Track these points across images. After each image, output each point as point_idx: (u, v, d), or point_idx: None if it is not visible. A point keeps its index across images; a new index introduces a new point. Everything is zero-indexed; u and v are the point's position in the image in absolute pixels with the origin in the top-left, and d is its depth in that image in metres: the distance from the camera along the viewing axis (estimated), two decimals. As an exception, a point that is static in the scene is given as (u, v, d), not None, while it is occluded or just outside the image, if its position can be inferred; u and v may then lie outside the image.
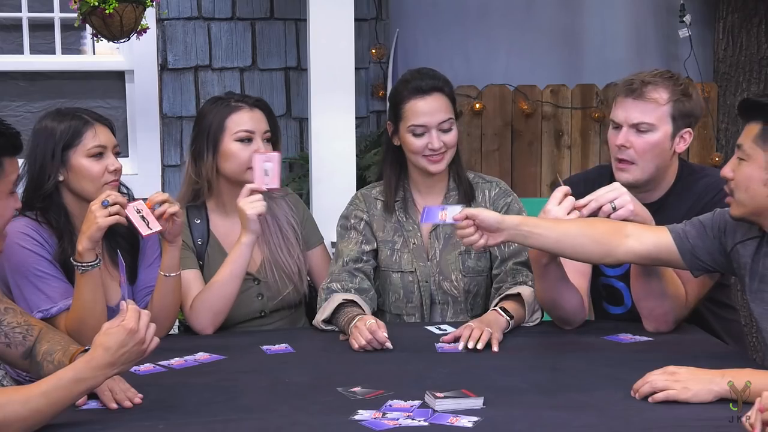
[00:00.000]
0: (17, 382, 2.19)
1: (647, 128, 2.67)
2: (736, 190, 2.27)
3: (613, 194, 2.53)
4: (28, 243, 2.54)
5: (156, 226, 2.55)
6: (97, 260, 2.50)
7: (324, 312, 2.75)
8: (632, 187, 2.74)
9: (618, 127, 2.72)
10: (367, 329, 2.55)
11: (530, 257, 2.65)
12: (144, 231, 2.55)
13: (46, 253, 2.57)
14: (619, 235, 2.43)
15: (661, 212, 2.64)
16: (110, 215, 2.47)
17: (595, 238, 2.44)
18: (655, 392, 2.08)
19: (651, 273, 2.60)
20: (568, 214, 2.51)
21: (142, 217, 2.54)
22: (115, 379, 2.11)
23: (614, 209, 2.51)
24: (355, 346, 2.56)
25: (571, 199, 2.52)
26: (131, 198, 2.67)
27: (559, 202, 2.52)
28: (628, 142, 2.68)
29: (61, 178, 2.62)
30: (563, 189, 2.55)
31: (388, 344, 2.55)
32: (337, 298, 2.76)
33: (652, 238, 2.45)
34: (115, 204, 2.48)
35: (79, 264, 2.48)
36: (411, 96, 2.87)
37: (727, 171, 2.29)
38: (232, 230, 2.88)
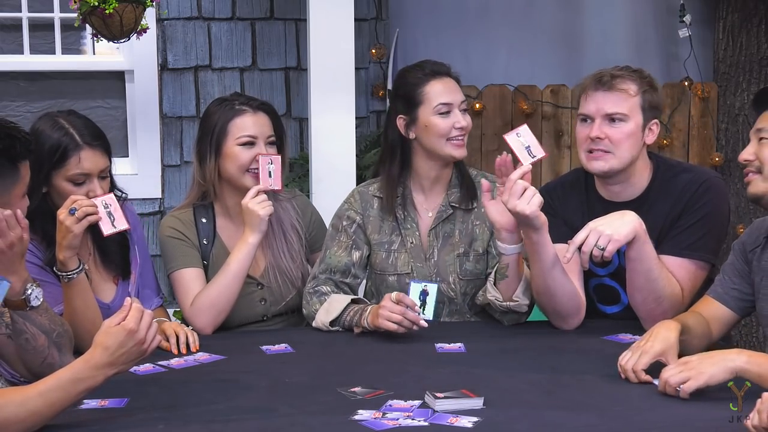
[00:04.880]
0: (11, 383, 2.18)
1: (621, 118, 2.67)
2: (764, 166, 2.36)
3: (593, 237, 2.49)
4: None
5: (121, 225, 2.51)
6: (80, 266, 2.48)
7: (330, 313, 2.74)
8: (607, 177, 2.72)
9: (588, 119, 2.71)
10: (396, 304, 2.57)
11: (523, 237, 2.60)
12: (106, 230, 2.50)
13: (36, 259, 2.54)
14: (709, 334, 2.46)
15: (643, 211, 2.62)
16: (80, 221, 2.45)
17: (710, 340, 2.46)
18: (676, 390, 2.07)
19: (647, 277, 2.59)
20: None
21: (109, 214, 2.49)
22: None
23: (602, 250, 2.48)
24: (391, 327, 2.57)
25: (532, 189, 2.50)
26: (119, 193, 2.67)
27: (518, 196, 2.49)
28: (603, 133, 2.67)
29: (44, 190, 2.60)
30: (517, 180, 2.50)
31: (422, 323, 2.59)
32: (344, 299, 2.76)
33: (717, 320, 2.47)
34: (82, 208, 2.45)
35: (64, 273, 2.46)
36: (429, 78, 2.85)
37: (747, 154, 2.38)
38: (237, 233, 2.87)
